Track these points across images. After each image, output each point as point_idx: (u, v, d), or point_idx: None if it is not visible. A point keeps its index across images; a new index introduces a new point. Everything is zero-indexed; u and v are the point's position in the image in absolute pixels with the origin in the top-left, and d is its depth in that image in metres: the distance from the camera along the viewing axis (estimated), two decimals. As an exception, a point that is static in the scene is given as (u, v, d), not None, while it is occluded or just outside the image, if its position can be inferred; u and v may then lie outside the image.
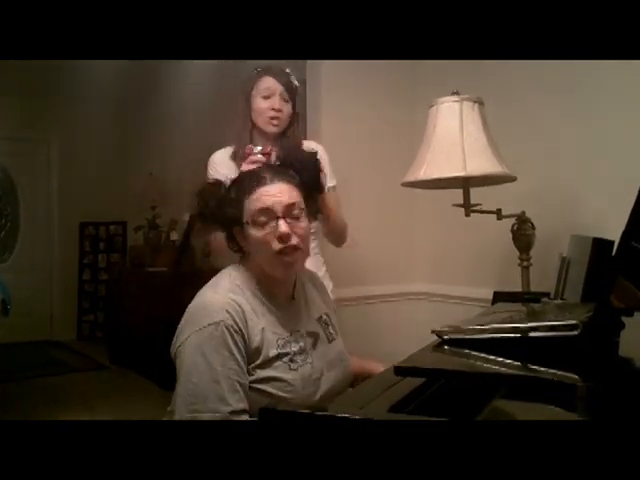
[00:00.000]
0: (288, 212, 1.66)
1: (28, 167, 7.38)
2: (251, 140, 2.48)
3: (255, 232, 1.65)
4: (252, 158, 2.23)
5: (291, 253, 1.67)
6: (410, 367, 1.35)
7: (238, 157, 2.42)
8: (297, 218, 1.68)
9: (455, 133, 2.41)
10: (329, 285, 2.51)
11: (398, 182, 2.63)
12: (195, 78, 6.27)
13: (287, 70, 2.51)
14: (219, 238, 2.23)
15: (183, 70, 6.36)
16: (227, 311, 1.59)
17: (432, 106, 2.52)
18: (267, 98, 2.44)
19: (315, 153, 1.83)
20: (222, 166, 2.45)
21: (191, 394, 1.54)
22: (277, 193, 1.66)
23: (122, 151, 7.42)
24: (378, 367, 1.85)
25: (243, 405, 1.55)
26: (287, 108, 2.46)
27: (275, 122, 2.44)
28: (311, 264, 2.25)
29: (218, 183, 1.80)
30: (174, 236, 6.12)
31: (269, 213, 1.64)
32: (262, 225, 1.65)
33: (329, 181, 2.48)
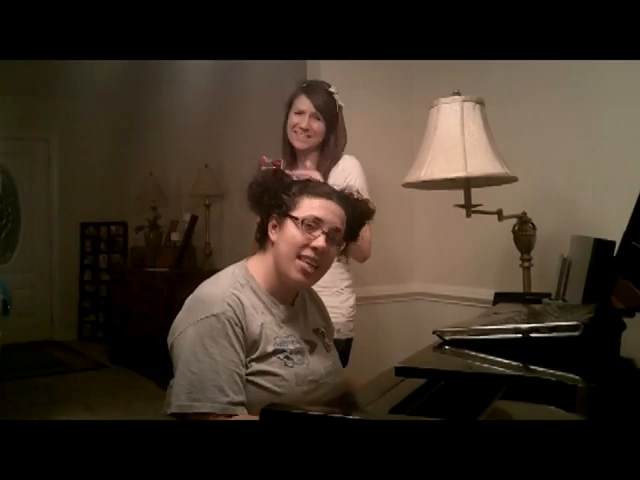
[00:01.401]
0: (332, 233, 1.71)
1: (29, 167, 7.38)
2: (285, 154, 2.61)
3: (296, 231, 1.69)
4: (263, 168, 2.31)
5: (312, 266, 1.70)
6: (411, 367, 1.35)
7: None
8: (334, 243, 1.73)
9: (456, 134, 2.41)
10: (350, 300, 2.61)
11: (398, 182, 2.63)
12: (195, 78, 6.27)
13: (331, 89, 2.61)
14: None
15: (183, 70, 6.36)
16: (228, 304, 1.61)
17: (433, 106, 2.51)
18: (298, 115, 2.55)
19: (371, 211, 1.90)
20: None
21: (190, 383, 1.56)
22: (334, 212, 1.72)
23: (123, 151, 7.42)
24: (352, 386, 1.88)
25: (241, 397, 1.57)
26: (317, 125, 2.54)
27: (301, 137, 2.54)
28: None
29: (276, 172, 1.87)
30: (175, 237, 6.12)
31: (319, 223, 1.69)
32: (307, 228, 1.68)
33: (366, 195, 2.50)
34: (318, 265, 1.71)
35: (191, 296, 1.71)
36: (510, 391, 1.20)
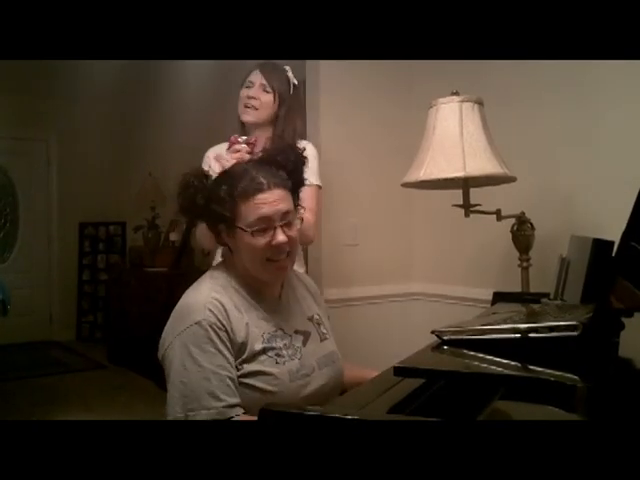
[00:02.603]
0: (284, 219, 1.67)
1: (27, 167, 7.37)
2: (242, 132, 2.51)
3: (250, 239, 1.65)
4: (236, 147, 2.26)
5: (283, 260, 1.69)
6: (410, 367, 1.35)
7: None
8: (290, 224, 1.69)
9: (455, 134, 2.41)
10: None
11: (397, 182, 2.63)
12: (195, 78, 6.26)
13: (284, 67, 2.54)
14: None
15: (183, 70, 6.36)
16: (209, 309, 1.60)
17: (432, 106, 2.51)
18: (248, 88, 2.50)
19: (303, 150, 1.83)
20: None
21: (183, 394, 1.56)
22: (275, 201, 1.66)
23: (122, 151, 7.41)
24: (373, 374, 1.85)
25: (236, 399, 1.56)
26: (266, 97, 2.48)
27: (247, 110, 2.48)
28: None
29: (201, 174, 1.76)
30: (173, 237, 6.12)
31: (267, 221, 1.65)
32: (259, 233, 1.64)
33: (315, 179, 2.48)
34: (286, 255, 1.69)
35: (175, 307, 1.70)
36: (509, 391, 1.20)
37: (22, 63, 5.84)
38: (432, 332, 1.52)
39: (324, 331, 1.87)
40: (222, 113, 5.83)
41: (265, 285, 1.75)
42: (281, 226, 1.66)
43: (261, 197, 1.64)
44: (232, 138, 2.31)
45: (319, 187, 2.52)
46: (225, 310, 1.62)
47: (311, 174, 2.44)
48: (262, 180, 1.66)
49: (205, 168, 2.41)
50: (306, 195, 2.29)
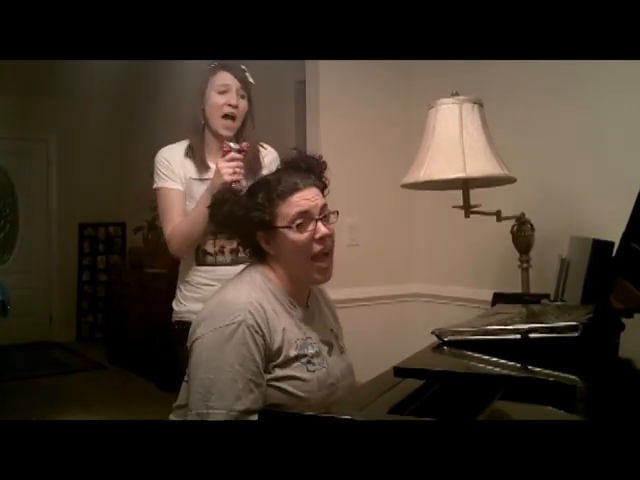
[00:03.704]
0: (322, 213, 1.70)
1: (27, 167, 7.37)
2: (197, 143, 2.38)
3: (295, 235, 1.66)
4: (232, 156, 2.19)
5: (325, 259, 1.71)
6: (410, 368, 1.35)
7: (197, 156, 2.35)
8: (328, 220, 1.72)
9: (455, 134, 2.41)
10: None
11: (396, 182, 2.63)
12: (195, 78, 6.26)
13: (243, 67, 2.40)
14: (183, 226, 2.23)
15: (183, 70, 6.36)
16: (249, 311, 1.59)
17: (431, 107, 2.51)
18: (223, 93, 2.32)
19: (321, 157, 1.85)
20: (177, 165, 2.35)
21: (208, 390, 1.55)
22: (312, 197, 1.69)
23: (122, 152, 7.41)
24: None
25: (257, 406, 1.55)
26: (243, 104, 2.34)
27: (228, 122, 2.31)
28: None
29: (230, 189, 1.81)
30: (173, 237, 6.10)
31: (308, 216, 1.67)
32: (301, 227, 1.66)
33: None
34: (330, 252, 1.71)
35: (212, 300, 1.70)
36: (509, 392, 1.20)
37: (22, 63, 5.82)
38: (432, 333, 1.52)
39: (341, 344, 1.89)
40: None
41: (297, 290, 1.76)
42: (321, 219, 1.68)
43: (298, 195, 1.68)
44: (225, 147, 2.22)
45: None
46: (265, 312, 1.62)
47: None
48: (297, 180, 1.70)
49: (162, 171, 2.36)
50: None
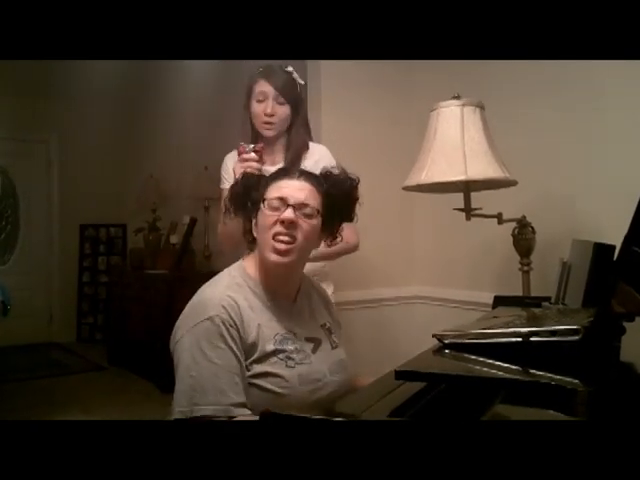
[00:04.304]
0: (300, 207, 1.69)
1: (28, 168, 7.37)
2: (254, 142, 2.46)
3: (265, 212, 1.70)
4: (244, 156, 2.25)
5: (284, 242, 1.68)
6: (411, 371, 1.34)
7: None
8: (309, 216, 1.70)
9: (456, 137, 2.41)
10: (328, 290, 2.50)
11: (398, 184, 2.63)
12: (195, 79, 6.27)
13: (288, 69, 2.49)
14: (229, 226, 2.24)
15: (183, 70, 6.36)
16: (222, 306, 1.61)
17: (433, 110, 2.51)
18: (261, 102, 2.44)
19: (353, 182, 1.85)
20: (232, 167, 2.46)
21: (191, 388, 1.56)
22: (298, 190, 1.71)
23: (122, 153, 7.41)
24: (367, 381, 1.84)
25: (243, 398, 1.56)
26: (282, 110, 2.45)
27: (268, 126, 2.45)
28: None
29: (254, 175, 1.91)
30: (174, 239, 6.12)
31: (284, 201, 1.68)
32: (272, 209, 1.69)
33: None
34: (292, 240, 1.69)
35: (190, 301, 1.71)
36: (510, 395, 1.19)
37: (22, 64, 5.84)
38: (433, 335, 1.51)
39: (335, 339, 1.88)
40: (223, 115, 5.85)
41: (280, 284, 1.77)
42: (295, 210, 1.68)
43: (287, 182, 1.72)
44: (240, 148, 2.29)
45: None
46: (239, 308, 1.64)
47: None
48: (295, 171, 1.77)
49: (223, 174, 2.54)
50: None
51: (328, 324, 1.89)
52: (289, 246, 1.69)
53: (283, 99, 2.44)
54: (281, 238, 1.68)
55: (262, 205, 1.70)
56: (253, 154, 2.25)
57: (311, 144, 2.56)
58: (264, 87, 2.43)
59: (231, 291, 1.68)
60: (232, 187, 1.84)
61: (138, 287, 6.01)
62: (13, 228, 7.40)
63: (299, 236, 1.70)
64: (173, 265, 5.85)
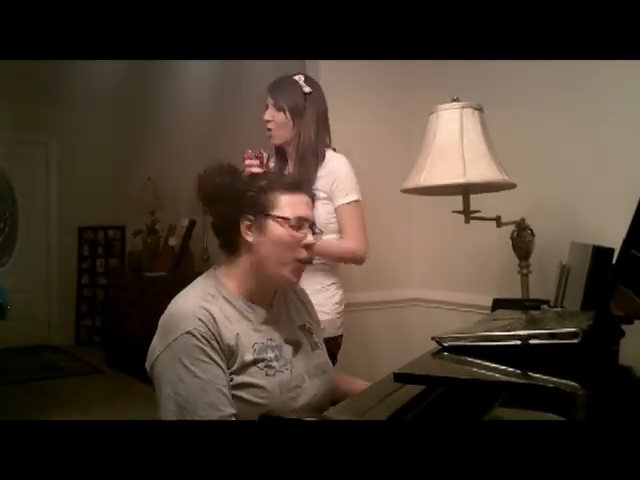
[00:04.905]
0: (314, 227, 1.73)
1: (26, 170, 7.37)
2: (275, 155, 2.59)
3: (285, 231, 1.66)
4: (247, 162, 2.31)
5: (305, 265, 1.72)
6: (410, 374, 1.34)
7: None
8: (316, 235, 1.73)
9: (455, 140, 2.41)
10: (335, 296, 2.53)
11: (396, 187, 2.63)
12: (195, 80, 6.27)
13: (295, 77, 2.53)
14: None
15: (183, 72, 6.37)
16: (199, 319, 1.56)
17: (432, 113, 2.51)
18: (264, 110, 2.54)
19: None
20: None
21: (179, 406, 1.53)
22: (309, 205, 1.72)
23: (121, 155, 7.41)
24: (364, 385, 1.83)
25: (232, 409, 1.53)
26: (279, 117, 2.49)
27: (268, 133, 2.54)
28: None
29: (233, 167, 1.77)
30: (173, 241, 6.12)
31: (304, 221, 1.68)
32: (295, 229, 1.67)
33: (347, 196, 2.50)
34: (311, 259, 1.72)
35: (163, 315, 1.65)
36: (509, 398, 1.19)
37: (22, 66, 5.84)
38: (432, 338, 1.51)
39: (316, 340, 1.85)
40: (222, 117, 5.85)
41: (262, 290, 1.73)
42: (312, 230, 1.71)
43: (300, 196, 1.70)
44: (245, 155, 2.37)
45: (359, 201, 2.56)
46: (214, 319, 1.58)
47: (345, 191, 2.50)
48: (300, 182, 1.76)
49: None
50: (353, 213, 2.48)
51: (308, 325, 1.85)
52: (304, 268, 1.73)
53: (280, 105, 2.49)
54: (305, 261, 1.70)
55: (280, 221, 1.65)
56: (256, 160, 2.33)
57: (329, 153, 2.55)
58: (267, 98, 2.54)
59: (204, 302, 1.62)
60: (214, 175, 1.73)
61: (136, 289, 6.01)
62: (11, 230, 7.40)
63: (313, 257, 1.76)
64: (172, 267, 5.85)
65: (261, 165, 2.31)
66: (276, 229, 1.65)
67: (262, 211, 1.66)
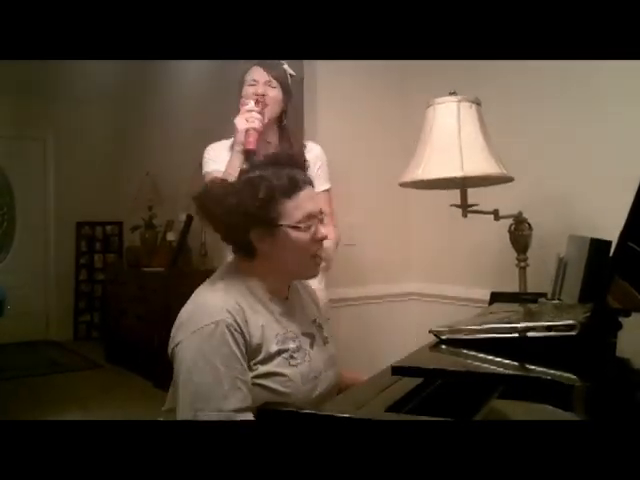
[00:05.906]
0: (321, 215, 1.73)
1: (24, 166, 7.35)
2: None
3: (298, 235, 1.67)
4: (247, 108, 2.36)
5: (321, 255, 1.74)
6: (407, 367, 1.35)
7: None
8: (323, 220, 1.75)
9: (452, 133, 2.41)
10: (322, 282, 2.51)
11: (394, 181, 2.64)
12: (194, 78, 6.26)
13: (282, 62, 2.54)
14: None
15: (182, 70, 6.35)
16: (227, 310, 1.58)
17: (429, 106, 2.52)
18: (252, 86, 2.48)
19: (302, 153, 1.90)
20: (220, 158, 2.48)
21: (193, 393, 1.54)
22: (313, 198, 1.72)
23: (119, 150, 7.40)
24: (363, 378, 1.84)
25: (246, 403, 1.55)
26: (274, 92, 2.48)
27: (254, 115, 2.41)
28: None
29: (225, 182, 1.78)
30: (170, 236, 6.11)
31: (312, 218, 1.69)
32: (307, 229, 1.68)
33: (323, 184, 2.53)
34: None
35: (188, 303, 1.67)
36: (507, 390, 1.20)
37: (21, 63, 5.82)
38: (430, 331, 1.52)
39: (325, 335, 1.88)
40: (219, 113, 5.83)
41: (277, 285, 1.76)
42: (320, 221, 1.72)
43: (303, 194, 1.69)
44: (241, 103, 2.42)
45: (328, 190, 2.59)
46: (242, 311, 1.61)
47: (325, 178, 2.55)
48: (297, 178, 1.70)
49: (209, 164, 2.55)
50: (322, 201, 2.36)
51: (318, 320, 1.88)
52: (322, 258, 1.76)
53: (275, 83, 2.49)
54: (317, 257, 1.73)
55: (293, 228, 1.66)
56: (255, 107, 2.36)
57: (310, 142, 2.61)
58: (256, 73, 2.48)
59: (232, 295, 1.64)
60: (211, 196, 1.70)
61: (135, 285, 6.01)
62: (9, 226, 7.39)
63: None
64: (170, 263, 5.85)
65: (261, 112, 2.37)
66: (288, 236, 1.67)
67: (270, 223, 1.66)
